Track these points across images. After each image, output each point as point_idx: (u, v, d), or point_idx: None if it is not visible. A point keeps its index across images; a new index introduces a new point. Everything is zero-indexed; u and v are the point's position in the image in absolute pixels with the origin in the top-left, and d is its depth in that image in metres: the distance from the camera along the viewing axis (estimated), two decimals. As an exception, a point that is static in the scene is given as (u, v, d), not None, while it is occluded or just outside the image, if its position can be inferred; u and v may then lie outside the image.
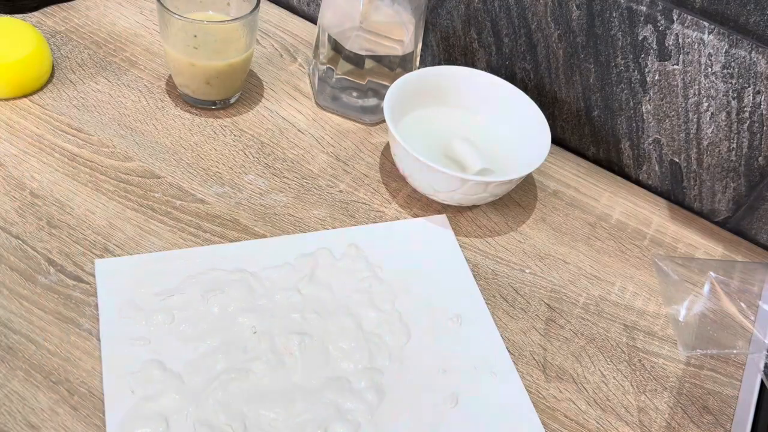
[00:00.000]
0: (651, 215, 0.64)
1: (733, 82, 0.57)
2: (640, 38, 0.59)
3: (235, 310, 0.48)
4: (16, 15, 0.65)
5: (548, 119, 0.59)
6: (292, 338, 0.47)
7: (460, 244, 0.56)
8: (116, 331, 0.45)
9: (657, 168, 0.66)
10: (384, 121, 0.56)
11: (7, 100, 0.58)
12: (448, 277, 0.54)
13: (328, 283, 0.51)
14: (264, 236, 0.53)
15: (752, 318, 0.55)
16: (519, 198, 0.62)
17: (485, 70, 0.63)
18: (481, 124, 0.63)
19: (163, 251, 0.50)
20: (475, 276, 0.54)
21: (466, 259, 0.55)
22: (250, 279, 0.50)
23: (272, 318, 0.48)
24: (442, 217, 0.58)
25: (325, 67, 0.63)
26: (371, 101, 0.64)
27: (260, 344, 0.47)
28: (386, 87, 0.59)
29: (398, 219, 0.57)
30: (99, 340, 0.45)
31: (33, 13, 0.66)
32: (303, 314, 0.49)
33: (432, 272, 0.54)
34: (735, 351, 0.54)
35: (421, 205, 0.59)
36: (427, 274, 0.53)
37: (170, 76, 0.63)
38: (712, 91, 0.58)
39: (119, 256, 0.50)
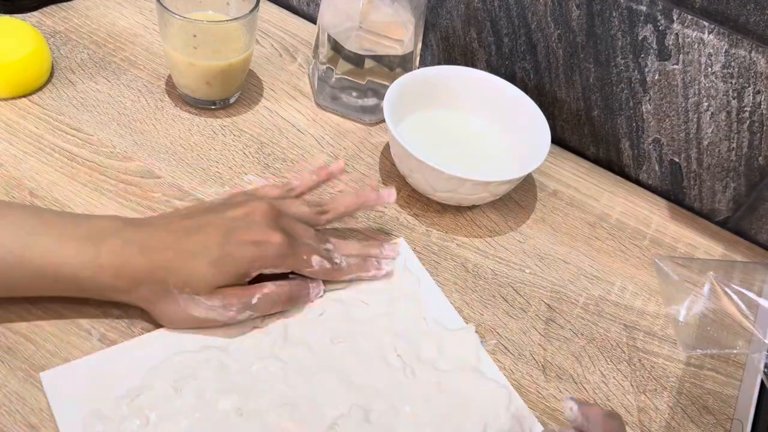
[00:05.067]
0: (651, 215, 0.64)
1: (733, 81, 0.57)
2: (640, 38, 0.59)
3: (212, 394, 0.43)
4: (15, 15, 0.65)
5: (548, 119, 0.59)
6: (282, 412, 0.43)
7: (459, 244, 0.56)
8: None
9: (657, 168, 0.66)
10: (384, 120, 0.56)
11: (6, 99, 0.58)
12: (423, 305, 0.50)
13: (304, 340, 0.47)
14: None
15: (752, 318, 0.55)
16: (519, 198, 0.62)
17: (485, 70, 0.63)
18: (480, 123, 0.63)
19: (113, 346, 0.44)
20: (475, 276, 0.54)
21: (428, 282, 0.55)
22: (220, 355, 0.44)
23: (255, 394, 0.43)
24: (400, 241, 0.55)
25: (324, 66, 0.63)
26: (371, 101, 0.64)
27: (250, 426, 0.42)
28: (386, 87, 0.59)
29: (398, 219, 0.57)
30: None
31: (33, 12, 0.66)
32: (287, 381, 0.44)
33: (402, 300, 0.50)
34: (735, 351, 0.54)
35: (421, 205, 0.59)
36: (399, 304, 0.50)
37: (170, 76, 0.63)
38: (712, 90, 0.58)
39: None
